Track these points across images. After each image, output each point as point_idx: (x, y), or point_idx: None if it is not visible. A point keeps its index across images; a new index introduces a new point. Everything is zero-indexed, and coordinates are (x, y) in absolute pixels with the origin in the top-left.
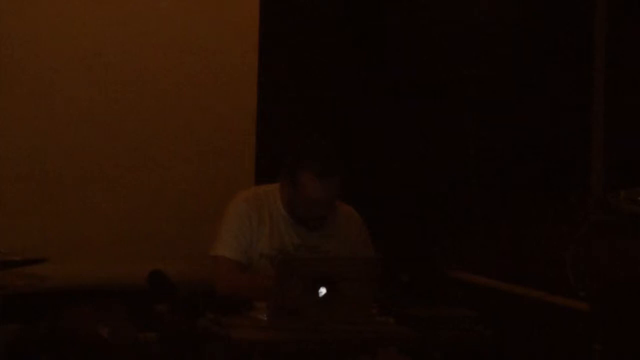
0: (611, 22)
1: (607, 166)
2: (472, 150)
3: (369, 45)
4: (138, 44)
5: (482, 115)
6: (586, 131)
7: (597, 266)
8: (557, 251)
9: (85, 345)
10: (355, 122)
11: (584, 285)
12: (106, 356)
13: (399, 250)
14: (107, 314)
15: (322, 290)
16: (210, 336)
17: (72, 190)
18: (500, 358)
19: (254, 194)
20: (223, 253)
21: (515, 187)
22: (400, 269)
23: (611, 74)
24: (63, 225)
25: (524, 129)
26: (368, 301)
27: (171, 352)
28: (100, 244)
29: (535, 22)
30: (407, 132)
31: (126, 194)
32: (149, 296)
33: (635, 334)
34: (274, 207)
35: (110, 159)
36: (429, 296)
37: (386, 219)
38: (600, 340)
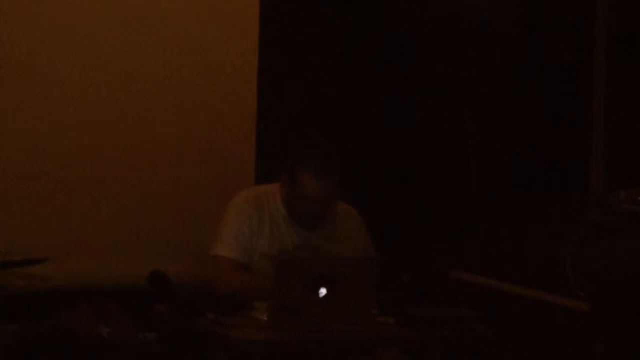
0: (612, 22)
1: (607, 166)
2: (472, 150)
3: (369, 45)
4: (138, 44)
5: (482, 115)
6: (586, 131)
7: (597, 266)
8: (557, 251)
9: (85, 345)
10: (355, 122)
11: (584, 285)
12: (106, 356)
13: (399, 250)
14: (107, 314)
15: (322, 291)
16: (210, 336)
17: (72, 190)
18: (500, 358)
19: (254, 193)
20: (223, 253)
21: (515, 187)
22: (400, 269)
23: (611, 74)
24: (63, 225)
25: (523, 129)
26: (368, 301)
27: (171, 352)
28: (100, 244)
29: (535, 21)
30: (407, 131)
31: (126, 194)
32: (149, 296)
33: (635, 334)
34: (274, 207)
35: (110, 158)
36: (429, 296)
37: (386, 219)
38: (600, 340)
